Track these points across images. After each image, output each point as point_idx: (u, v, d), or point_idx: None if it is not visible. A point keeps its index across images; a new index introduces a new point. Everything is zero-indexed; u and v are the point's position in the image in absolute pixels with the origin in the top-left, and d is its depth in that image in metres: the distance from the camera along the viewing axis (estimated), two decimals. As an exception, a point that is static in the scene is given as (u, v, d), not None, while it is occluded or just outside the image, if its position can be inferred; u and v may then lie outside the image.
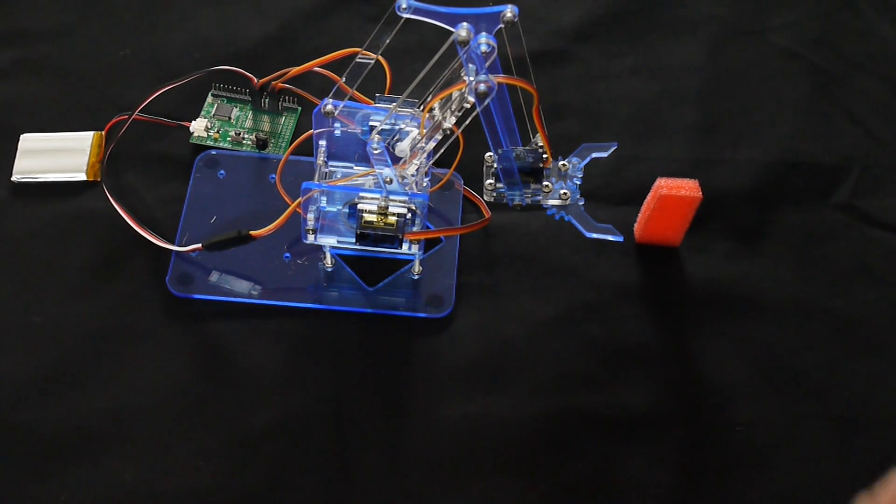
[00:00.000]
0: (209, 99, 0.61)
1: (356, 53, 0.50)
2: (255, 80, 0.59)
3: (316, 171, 0.52)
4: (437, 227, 0.57)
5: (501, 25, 0.45)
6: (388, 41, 0.48)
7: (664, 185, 0.53)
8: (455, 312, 0.54)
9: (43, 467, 0.49)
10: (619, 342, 0.54)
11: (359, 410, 0.51)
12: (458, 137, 0.50)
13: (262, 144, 0.59)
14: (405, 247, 0.51)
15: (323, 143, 0.52)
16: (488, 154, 0.49)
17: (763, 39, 0.66)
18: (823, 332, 0.54)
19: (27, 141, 0.59)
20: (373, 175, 0.51)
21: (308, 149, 0.54)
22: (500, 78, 0.45)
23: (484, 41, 0.44)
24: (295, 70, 0.58)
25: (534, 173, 0.50)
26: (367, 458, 0.49)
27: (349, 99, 0.50)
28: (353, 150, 0.53)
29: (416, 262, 0.55)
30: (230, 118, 0.60)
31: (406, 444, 0.50)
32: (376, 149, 0.48)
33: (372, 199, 0.50)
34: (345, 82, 0.51)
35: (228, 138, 0.60)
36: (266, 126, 0.60)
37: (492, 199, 0.51)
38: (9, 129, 0.60)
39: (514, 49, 0.47)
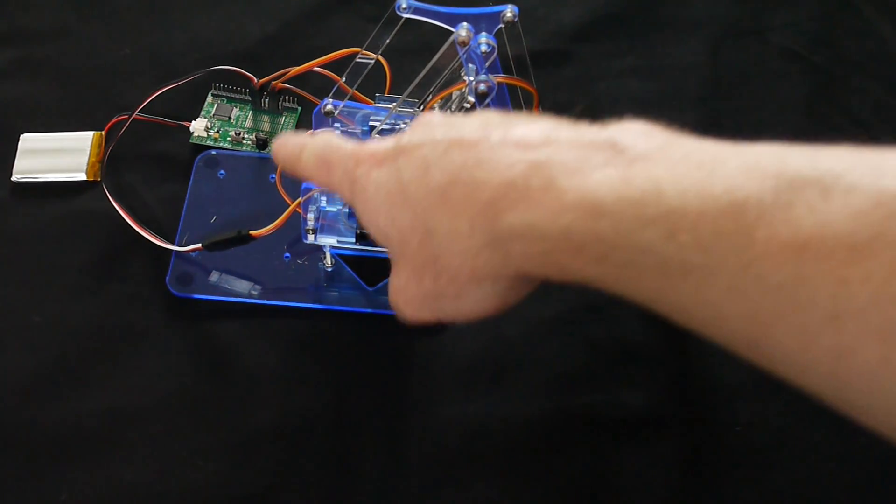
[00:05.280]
0: (209, 99, 0.61)
1: (356, 53, 0.50)
2: (255, 80, 0.59)
3: (316, 171, 0.52)
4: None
5: (501, 25, 0.45)
6: (388, 41, 0.48)
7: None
8: (455, 312, 0.54)
9: (43, 467, 0.49)
10: (619, 342, 0.54)
11: (359, 410, 0.51)
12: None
13: (262, 144, 0.59)
14: (405, 247, 0.51)
15: (323, 143, 0.52)
16: (488, 154, 0.49)
17: (763, 39, 0.66)
18: (823, 332, 0.54)
19: (27, 141, 0.59)
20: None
21: (308, 149, 0.54)
22: (500, 78, 0.45)
23: (484, 41, 0.44)
24: (295, 70, 0.58)
25: (534, 173, 0.50)
26: (367, 458, 0.49)
27: (349, 99, 0.50)
28: (353, 150, 0.53)
29: (416, 262, 0.55)
30: (230, 118, 0.60)
31: (406, 444, 0.50)
32: (376, 149, 0.47)
33: (372, 199, 0.50)
34: (345, 82, 0.51)
35: (228, 138, 0.60)
36: (266, 126, 0.60)
37: (492, 199, 0.51)
38: (9, 129, 0.60)
39: (514, 49, 0.47)
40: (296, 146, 0.44)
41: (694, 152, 0.32)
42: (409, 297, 0.41)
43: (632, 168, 0.33)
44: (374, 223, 0.40)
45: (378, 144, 0.41)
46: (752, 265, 0.29)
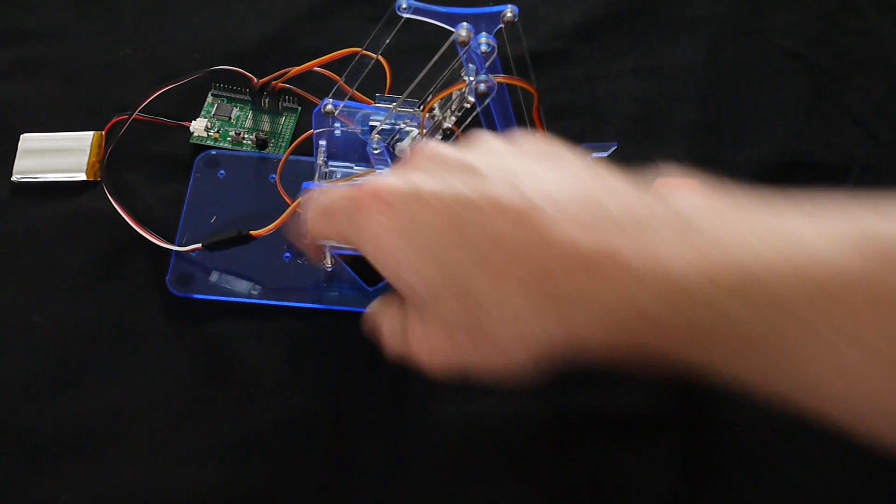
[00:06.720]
0: (209, 99, 0.61)
1: (356, 53, 0.50)
2: (255, 80, 0.59)
3: (316, 171, 0.52)
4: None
5: (501, 25, 0.45)
6: (388, 41, 0.48)
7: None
8: (455, 312, 0.54)
9: (43, 467, 0.49)
10: (619, 342, 0.53)
11: (359, 410, 0.51)
12: (458, 137, 0.50)
13: (262, 144, 0.59)
14: (405, 247, 0.51)
15: (323, 143, 0.52)
16: (488, 154, 0.49)
17: (763, 39, 0.66)
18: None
19: (27, 141, 0.59)
20: (373, 175, 0.51)
21: (308, 149, 0.54)
22: (500, 78, 0.45)
23: (484, 41, 0.44)
24: (295, 70, 0.58)
25: (534, 173, 0.50)
26: (367, 458, 0.49)
27: (349, 99, 0.50)
28: (353, 150, 0.53)
29: (416, 262, 0.55)
30: (230, 118, 0.60)
31: (406, 444, 0.50)
32: (376, 149, 0.48)
33: (372, 199, 0.50)
34: (345, 82, 0.51)
35: (228, 138, 0.60)
36: (266, 126, 0.60)
37: (492, 199, 0.51)
38: (9, 129, 0.60)
39: (514, 49, 0.47)
40: (306, 211, 0.43)
41: (765, 222, 0.32)
42: (433, 347, 0.38)
43: (703, 240, 0.33)
44: (395, 274, 0.37)
45: (380, 183, 0.37)
46: (851, 333, 0.30)
